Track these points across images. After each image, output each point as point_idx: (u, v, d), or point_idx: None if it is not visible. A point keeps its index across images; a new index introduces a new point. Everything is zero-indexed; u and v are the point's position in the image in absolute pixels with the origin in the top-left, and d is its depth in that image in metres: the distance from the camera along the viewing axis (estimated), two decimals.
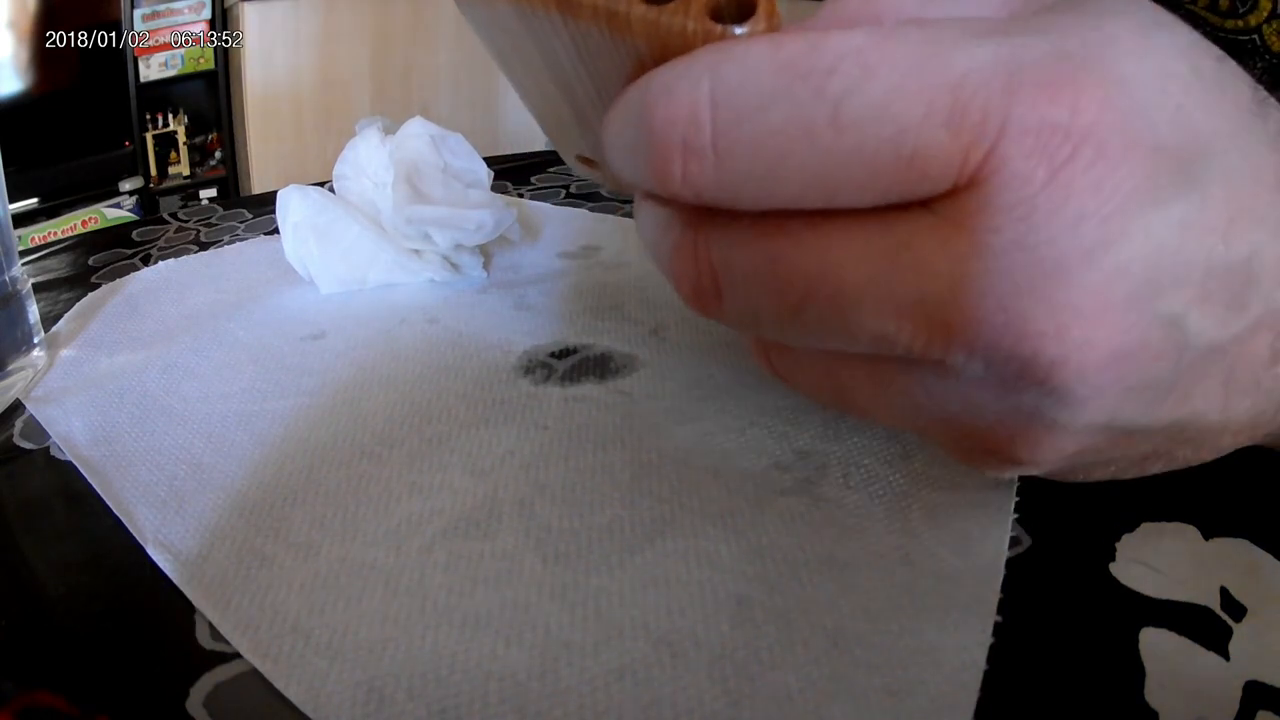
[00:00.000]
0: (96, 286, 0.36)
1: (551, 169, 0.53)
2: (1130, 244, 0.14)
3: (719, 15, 0.14)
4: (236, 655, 0.18)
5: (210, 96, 1.86)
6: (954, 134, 0.13)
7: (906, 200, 0.14)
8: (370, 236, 0.34)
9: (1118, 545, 0.20)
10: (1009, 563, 0.19)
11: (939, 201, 0.14)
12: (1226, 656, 0.17)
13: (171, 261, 0.39)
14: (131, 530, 0.21)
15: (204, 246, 0.41)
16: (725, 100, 0.14)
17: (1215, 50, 0.16)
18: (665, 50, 0.15)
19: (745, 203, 0.15)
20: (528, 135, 1.95)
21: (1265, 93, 0.16)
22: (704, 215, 0.16)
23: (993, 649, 0.17)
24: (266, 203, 0.42)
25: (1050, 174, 0.13)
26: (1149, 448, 0.18)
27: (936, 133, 0.13)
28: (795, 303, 0.15)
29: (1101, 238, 0.14)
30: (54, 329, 0.32)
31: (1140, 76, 0.14)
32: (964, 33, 0.14)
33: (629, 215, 0.43)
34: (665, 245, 0.17)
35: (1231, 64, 0.16)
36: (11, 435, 0.26)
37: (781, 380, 0.19)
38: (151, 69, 1.77)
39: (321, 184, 0.37)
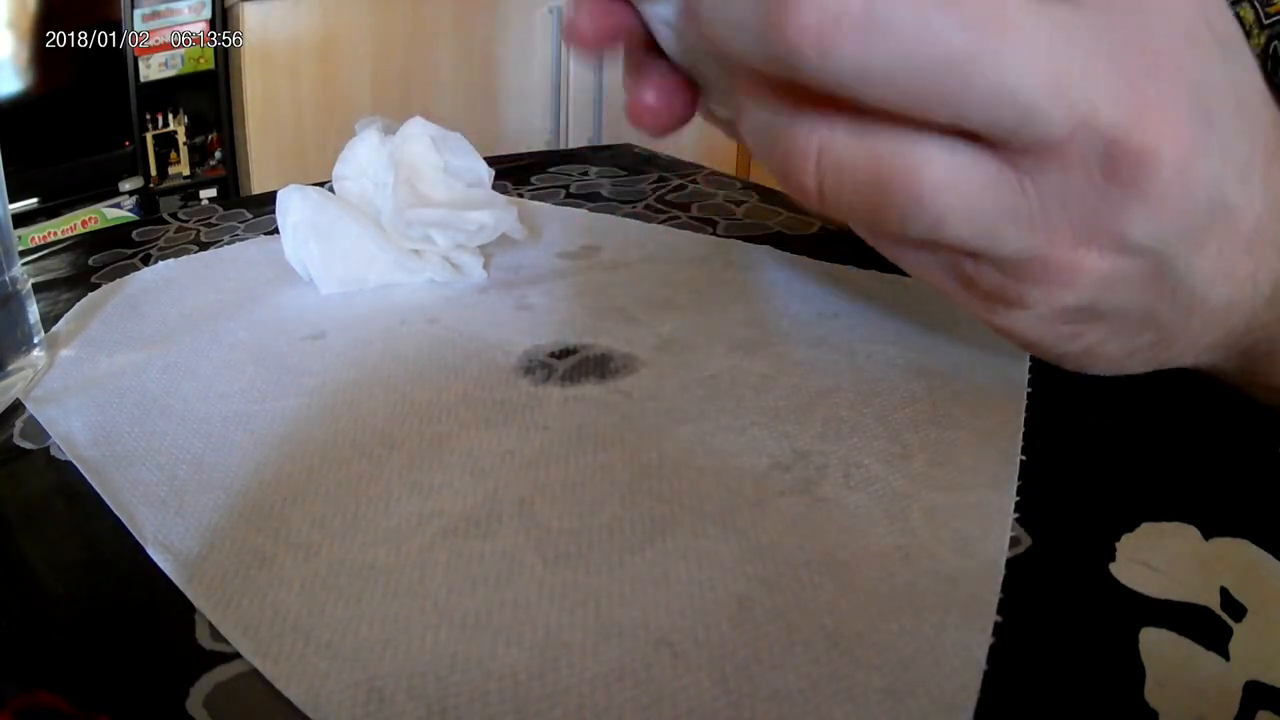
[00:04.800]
0: (96, 286, 0.36)
1: (551, 169, 0.53)
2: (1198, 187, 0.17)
3: None
4: (236, 655, 0.18)
5: (210, 96, 1.85)
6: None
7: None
8: (370, 237, 0.34)
9: (1118, 545, 0.20)
10: (1009, 563, 0.19)
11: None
12: (1226, 656, 0.17)
13: (171, 261, 0.39)
14: (131, 530, 0.21)
15: (204, 246, 0.41)
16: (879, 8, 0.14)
17: None
18: None
19: (864, 94, 0.15)
20: (528, 135, 1.95)
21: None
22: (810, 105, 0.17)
23: (993, 649, 0.17)
24: (266, 203, 0.42)
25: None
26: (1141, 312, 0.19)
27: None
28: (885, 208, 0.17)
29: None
30: (54, 329, 0.32)
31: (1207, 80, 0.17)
32: None
33: (629, 215, 0.43)
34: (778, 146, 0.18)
35: None
36: (11, 435, 0.26)
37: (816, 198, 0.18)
38: (151, 69, 1.77)
39: (321, 184, 0.37)
